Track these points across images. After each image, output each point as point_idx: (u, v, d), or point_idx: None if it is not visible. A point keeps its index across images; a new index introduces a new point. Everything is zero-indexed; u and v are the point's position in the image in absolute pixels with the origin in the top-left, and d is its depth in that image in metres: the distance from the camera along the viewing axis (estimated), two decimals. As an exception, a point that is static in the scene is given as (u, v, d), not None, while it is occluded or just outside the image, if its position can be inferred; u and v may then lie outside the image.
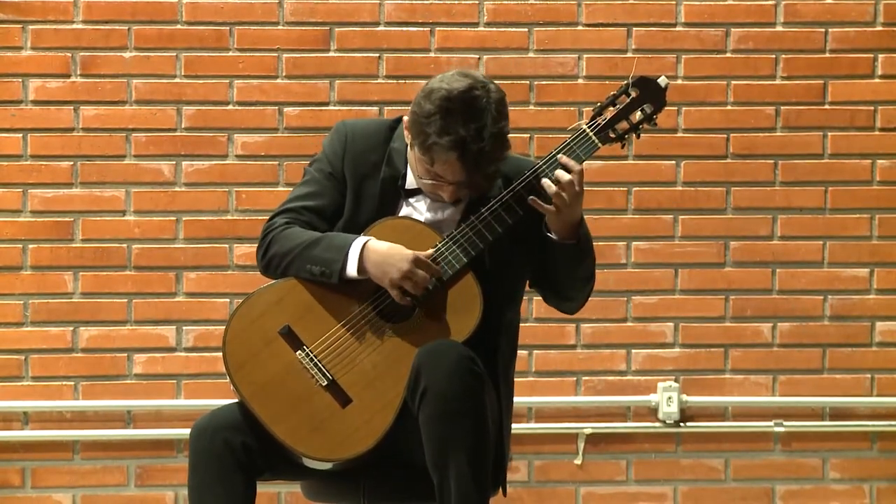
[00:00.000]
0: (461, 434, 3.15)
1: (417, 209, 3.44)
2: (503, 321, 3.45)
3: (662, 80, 3.44)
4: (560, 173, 3.32)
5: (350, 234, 3.38)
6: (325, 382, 3.31)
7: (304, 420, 3.29)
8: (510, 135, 3.33)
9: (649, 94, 3.43)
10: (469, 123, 3.25)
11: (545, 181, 3.32)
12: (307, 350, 3.34)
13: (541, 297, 3.57)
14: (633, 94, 3.43)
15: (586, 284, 3.47)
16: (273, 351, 3.33)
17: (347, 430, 3.28)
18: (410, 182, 3.44)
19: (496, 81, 3.36)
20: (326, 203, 3.46)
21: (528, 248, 3.44)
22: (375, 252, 3.32)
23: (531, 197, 3.32)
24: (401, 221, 3.39)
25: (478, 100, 3.26)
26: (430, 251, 3.34)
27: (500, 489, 3.46)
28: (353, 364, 3.32)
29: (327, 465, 3.31)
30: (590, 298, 3.54)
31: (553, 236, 3.37)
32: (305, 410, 3.30)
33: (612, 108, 3.42)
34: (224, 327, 3.37)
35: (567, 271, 3.41)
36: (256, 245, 3.47)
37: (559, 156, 3.35)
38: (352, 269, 3.33)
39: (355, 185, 3.45)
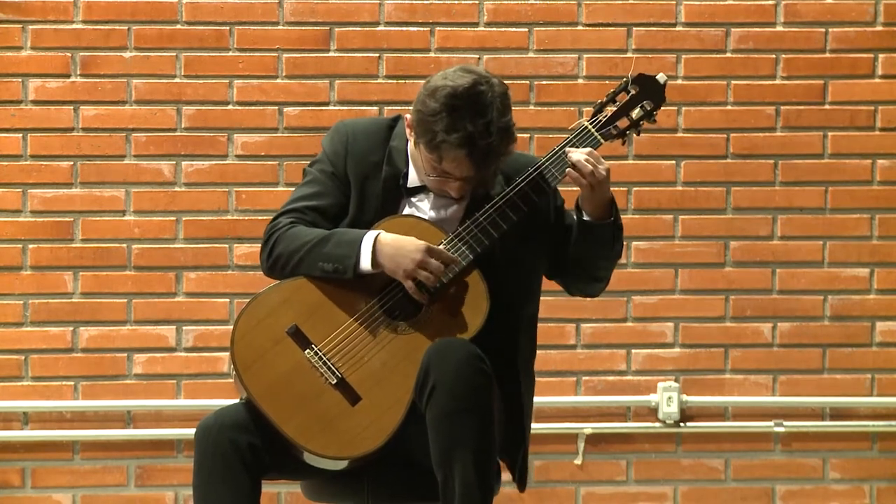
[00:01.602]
0: (467, 433, 3.15)
1: (420, 208, 3.44)
2: (522, 318, 3.46)
3: (661, 77, 3.48)
4: (578, 153, 3.33)
5: (359, 229, 3.37)
6: (335, 381, 3.31)
7: (313, 419, 3.28)
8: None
9: (648, 90, 3.47)
10: (476, 119, 3.25)
11: (574, 157, 3.33)
12: (316, 349, 3.33)
13: (562, 287, 3.59)
14: (633, 91, 3.48)
15: (617, 260, 3.52)
16: (281, 350, 3.33)
17: (357, 428, 3.27)
18: (412, 180, 3.44)
19: (496, 80, 3.37)
20: (330, 203, 3.45)
21: (539, 244, 3.46)
22: (388, 244, 3.32)
23: (568, 169, 3.34)
24: (405, 220, 3.39)
25: (483, 95, 3.27)
26: (436, 248, 3.35)
27: (519, 484, 3.49)
28: (362, 362, 3.32)
29: (341, 465, 3.31)
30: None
31: (589, 219, 3.40)
32: (314, 409, 3.29)
33: (612, 106, 3.46)
34: (226, 327, 3.38)
35: (603, 250, 3.45)
36: (259, 246, 3.46)
37: (567, 149, 3.37)
38: (366, 263, 3.32)
39: (358, 185, 3.45)
